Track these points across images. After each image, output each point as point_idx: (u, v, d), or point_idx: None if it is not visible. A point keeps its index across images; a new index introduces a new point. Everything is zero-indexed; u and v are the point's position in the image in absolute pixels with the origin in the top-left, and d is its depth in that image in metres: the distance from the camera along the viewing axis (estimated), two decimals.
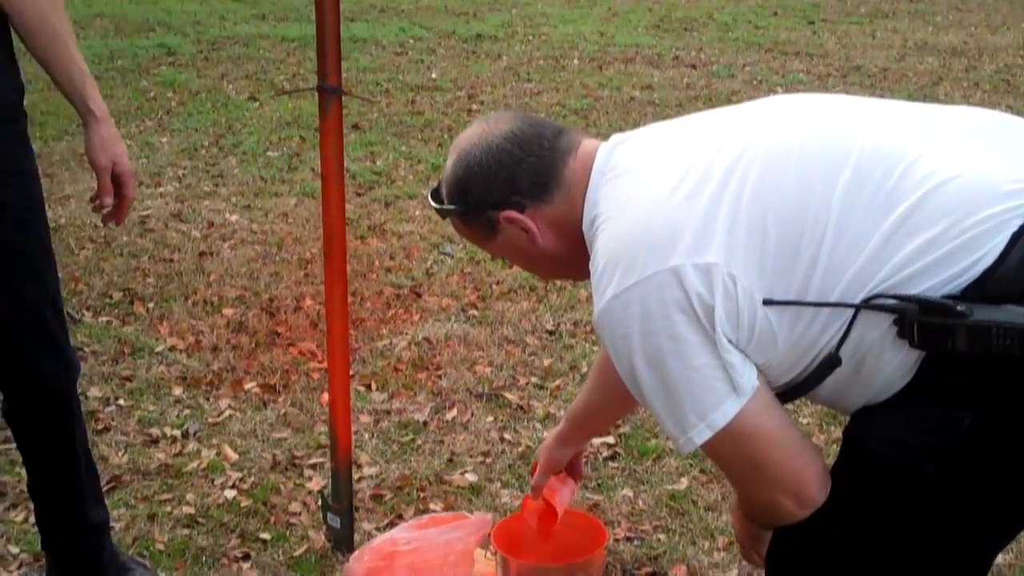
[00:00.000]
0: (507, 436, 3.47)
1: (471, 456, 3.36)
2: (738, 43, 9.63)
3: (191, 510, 3.08)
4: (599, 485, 3.18)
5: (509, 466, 3.30)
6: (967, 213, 1.58)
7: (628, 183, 1.77)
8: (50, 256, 2.43)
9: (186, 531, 2.99)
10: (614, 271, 1.67)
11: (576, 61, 8.95)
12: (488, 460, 3.34)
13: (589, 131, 6.63)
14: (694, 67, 8.70)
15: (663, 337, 1.64)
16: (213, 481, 3.22)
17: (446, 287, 4.56)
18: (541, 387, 3.77)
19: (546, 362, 3.92)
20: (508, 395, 3.70)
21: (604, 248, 1.72)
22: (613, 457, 3.34)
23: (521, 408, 3.63)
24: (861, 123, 1.75)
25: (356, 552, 2.42)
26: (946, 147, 1.68)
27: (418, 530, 2.44)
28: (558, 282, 4.52)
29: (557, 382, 3.79)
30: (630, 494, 3.16)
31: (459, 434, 3.48)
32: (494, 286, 4.56)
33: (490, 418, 3.57)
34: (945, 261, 1.58)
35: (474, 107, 7.43)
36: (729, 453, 1.74)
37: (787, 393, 1.76)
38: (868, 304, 1.59)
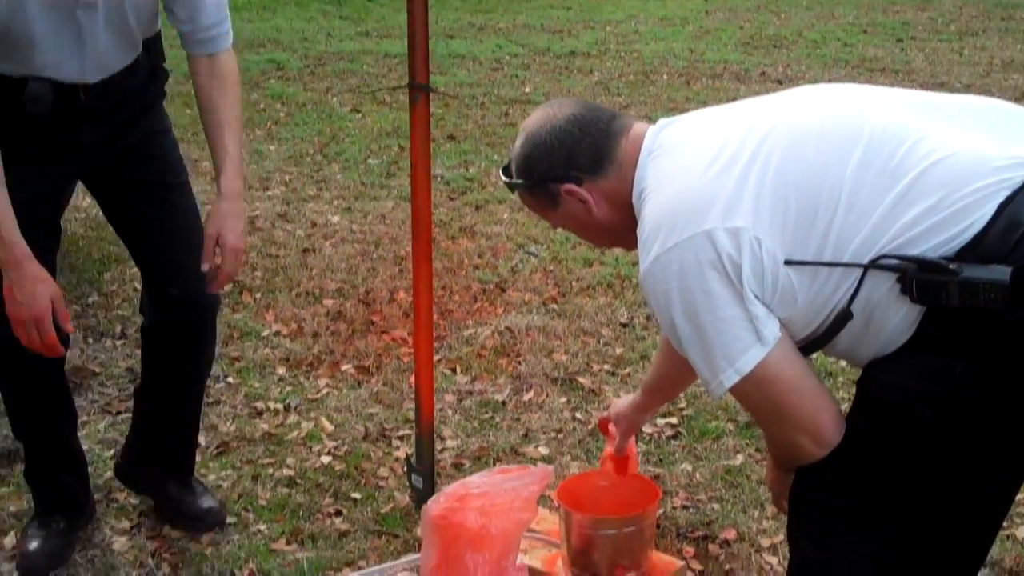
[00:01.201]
0: (579, 416, 3.78)
1: (544, 433, 3.67)
2: (825, 59, 9.82)
3: (291, 472, 3.43)
4: (660, 460, 3.46)
5: (579, 442, 3.60)
6: (960, 185, 1.86)
7: (670, 161, 2.07)
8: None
9: (286, 490, 3.35)
10: (657, 235, 1.97)
11: (665, 76, 9.22)
12: (560, 436, 3.64)
13: None
14: (780, 82, 8.91)
15: (698, 292, 1.94)
16: (311, 448, 3.57)
17: (529, 283, 4.88)
18: (613, 373, 4.06)
19: (618, 351, 4.22)
20: (581, 380, 4.00)
21: (649, 216, 2.02)
22: (676, 436, 3.63)
23: (593, 391, 3.93)
24: (872, 108, 2.03)
25: (433, 496, 2.74)
26: (944, 129, 1.96)
27: (488, 477, 2.75)
28: (633, 279, 4.82)
29: (627, 369, 4.08)
30: (689, 468, 3.44)
31: (534, 413, 3.79)
32: (574, 283, 4.87)
33: (564, 399, 3.88)
34: (941, 226, 1.85)
35: None
36: (755, 396, 2.02)
37: (808, 346, 2.04)
38: (875, 264, 1.88)
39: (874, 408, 2.01)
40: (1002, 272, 1.79)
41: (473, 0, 12.88)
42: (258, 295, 4.72)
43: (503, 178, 2.30)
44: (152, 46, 2.79)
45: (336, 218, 5.70)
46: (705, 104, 8.02)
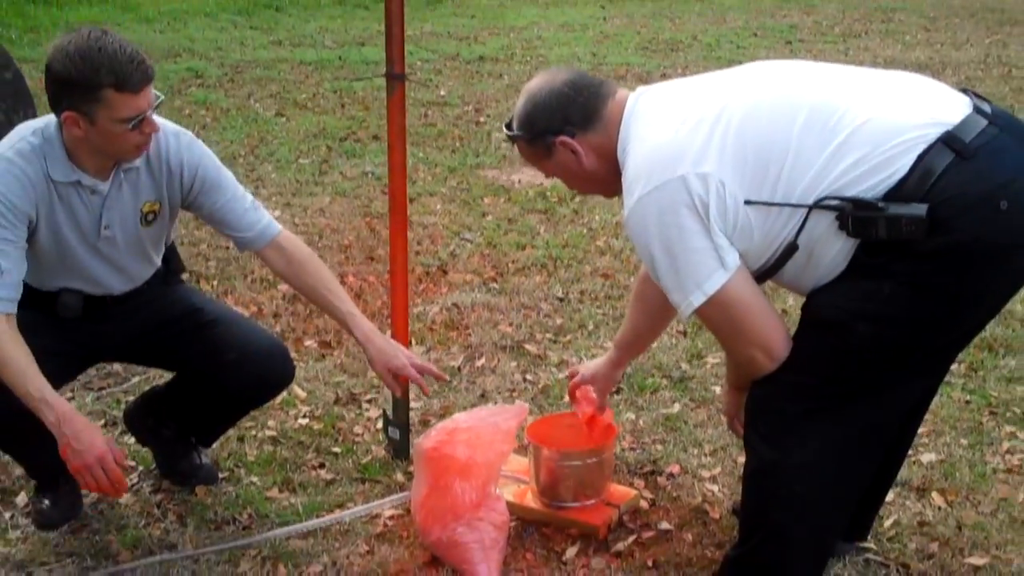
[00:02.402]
0: (528, 377, 4.16)
1: (499, 392, 4.04)
2: (720, 61, 10.35)
3: (273, 433, 3.75)
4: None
5: (532, 399, 3.98)
6: (885, 140, 2.30)
7: (649, 121, 2.49)
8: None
9: (271, 448, 3.67)
10: (638, 181, 2.39)
11: None
12: (514, 395, 4.02)
13: None
14: None
15: (672, 227, 2.35)
16: (288, 412, 3.89)
17: (468, 265, 5.26)
18: (555, 341, 4.46)
19: (559, 321, 4.62)
20: (528, 347, 4.39)
21: (632, 165, 2.44)
22: (618, 391, 4.02)
23: (539, 356, 4.32)
24: (813, 82, 2.48)
25: (424, 432, 3.09)
26: (871, 97, 2.40)
27: (472, 414, 3.11)
28: (564, 260, 5.24)
29: (568, 337, 4.48)
30: (633, 416, 3.85)
31: (488, 376, 4.17)
32: (510, 264, 5.26)
33: (513, 363, 4.26)
34: (870, 174, 2.28)
35: (481, 119, 8.14)
36: (717, 316, 2.44)
37: (760, 276, 2.47)
38: (818, 204, 2.31)
39: (816, 326, 2.45)
40: (920, 208, 2.23)
41: (378, 9, 13.18)
42: (215, 282, 5.02)
43: (505, 132, 2.72)
44: (170, 258, 3.26)
45: (277, 212, 6.00)
46: None
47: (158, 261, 3.19)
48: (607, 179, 2.59)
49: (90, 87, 2.69)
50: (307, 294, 3.16)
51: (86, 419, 2.85)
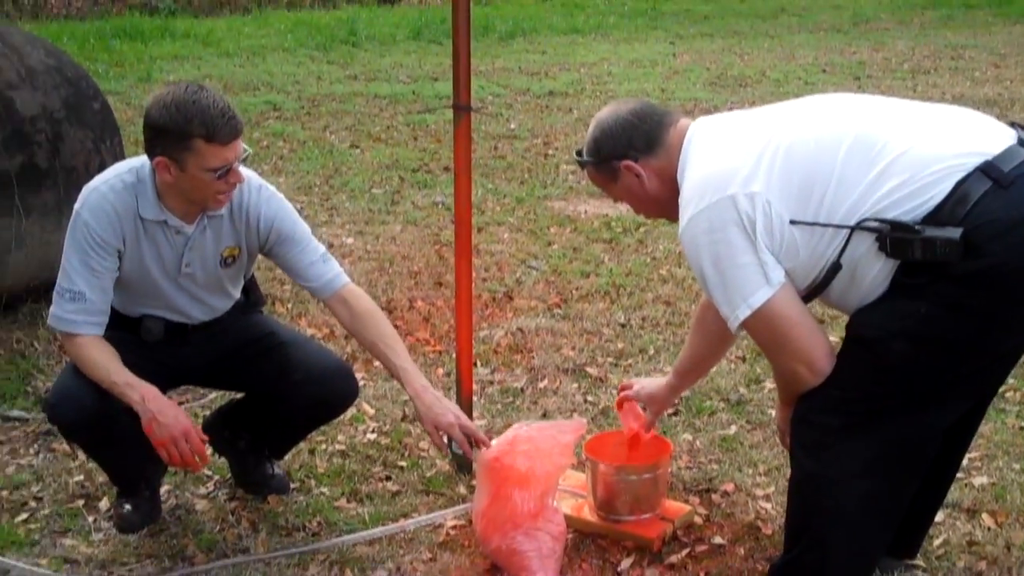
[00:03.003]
0: (589, 398, 4.29)
1: (561, 412, 4.17)
2: (787, 96, 10.34)
3: (342, 447, 3.91)
4: (665, 432, 3.95)
5: (592, 419, 4.10)
6: (923, 168, 2.42)
7: (706, 146, 2.66)
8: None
9: (340, 460, 3.82)
10: (692, 200, 2.55)
11: None
12: (575, 414, 4.15)
13: None
14: None
15: (721, 244, 2.49)
16: (357, 428, 4.05)
17: (533, 292, 5.40)
18: (616, 364, 4.58)
19: (620, 346, 4.75)
20: (589, 370, 4.52)
21: (687, 186, 2.60)
22: (676, 413, 4.14)
23: (600, 379, 4.44)
24: (858, 113, 2.62)
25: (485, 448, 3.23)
26: (913, 128, 2.53)
27: (532, 427, 3.24)
28: (627, 287, 5.37)
29: (628, 361, 4.60)
30: (690, 438, 3.95)
31: (550, 398, 4.30)
32: (574, 291, 5.39)
33: (575, 385, 4.39)
34: (909, 198, 2.40)
35: (549, 152, 8.30)
36: (763, 330, 2.57)
37: (808, 295, 2.59)
38: (859, 225, 2.43)
39: (856, 343, 2.56)
40: (954, 232, 2.34)
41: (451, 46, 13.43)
42: (289, 305, 5.21)
43: (576, 158, 2.91)
44: (250, 289, 3.49)
45: (350, 240, 6.20)
46: None
47: (237, 294, 3.41)
48: (669, 201, 2.74)
49: (182, 136, 2.91)
50: (367, 346, 3.31)
51: (169, 400, 3.07)
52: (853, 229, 2.43)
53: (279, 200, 3.26)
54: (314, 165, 7.85)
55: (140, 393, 3.02)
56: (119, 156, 5.19)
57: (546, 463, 3.12)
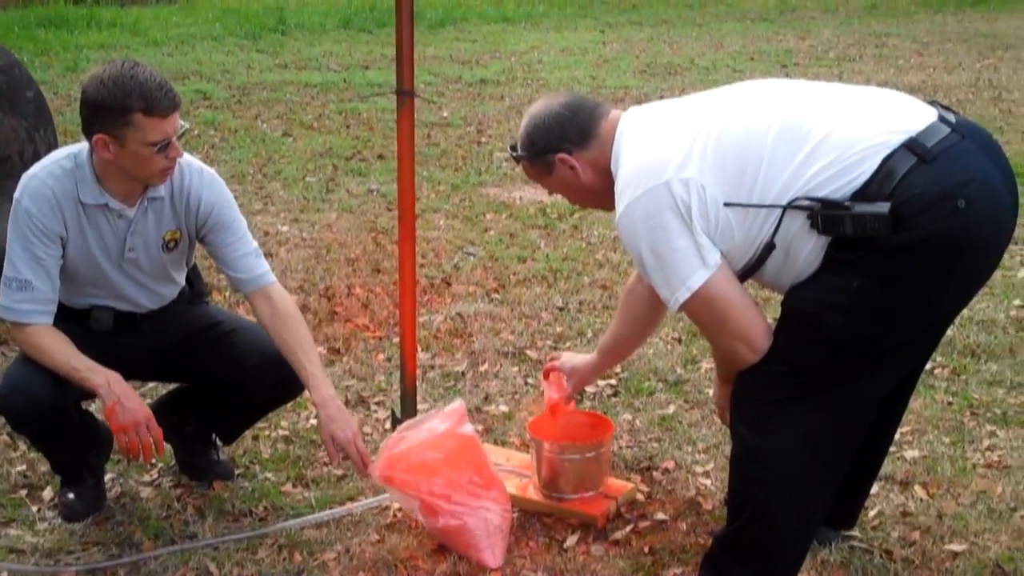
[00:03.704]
0: (530, 381, 4.34)
1: (502, 395, 4.22)
2: (717, 84, 10.42)
3: (285, 433, 3.93)
4: (605, 411, 4.01)
5: (533, 400, 4.15)
6: (850, 147, 2.49)
7: (638, 136, 2.70)
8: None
9: (284, 446, 3.84)
10: (627, 188, 2.59)
11: None
12: (516, 397, 4.20)
13: None
14: None
15: (658, 229, 2.54)
16: (300, 414, 4.06)
17: (471, 278, 5.44)
18: (555, 347, 4.63)
19: (558, 329, 4.81)
20: (529, 353, 4.57)
21: (622, 175, 2.64)
22: (615, 394, 4.21)
23: (540, 362, 4.49)
24: (785, 98, 2.67)
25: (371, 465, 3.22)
26: (837, 110, 2.60)
27: (406, 430, 3.24)
28: (564, 272, 5.42)
29: (568, 344, 4.66)
30: (629, 417, 4.02)
31: (491, 381, 4.35)
32: (511, 276, 5.44)
33: (515, 369, 4.44)
34: (837, 177, 2.47)
35: (483, 140, 8.34)
36: (702, 311, 2.63)
37: (743, 275, 2.65)
38: (791, 205, 2.49)
39: (790, 318, 2.63)
40: (883, 207, 2.42)
41: (382, 34, 13.43)
42: (227, 293, 5.19)
43: (510, 152, 2.93)
44: (194, 280, 3.51)
45: (285, 228, 6.20)
46: None
47: (181, 281, 3.41)
48: (604, 192, 2.79)
49: (121, 111, 2.90)
50: (282, 347, 3.25)
51: (131, 388, 3.08)
52: (785, 208, 2.50)
53: (220, 186, 3.27)
54: (246, 153, 7.82)
55: (104, 377, 3.03)
56: (53, 145, 5.14)
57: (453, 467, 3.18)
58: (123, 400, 3.01)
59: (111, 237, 3.15)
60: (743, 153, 2.55)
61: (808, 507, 2.73)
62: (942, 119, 2.53)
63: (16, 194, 3.08)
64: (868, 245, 2.46)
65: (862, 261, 2.48)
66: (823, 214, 2.46)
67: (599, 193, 2.84)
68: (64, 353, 3.05)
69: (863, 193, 2.45)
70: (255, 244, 3.32)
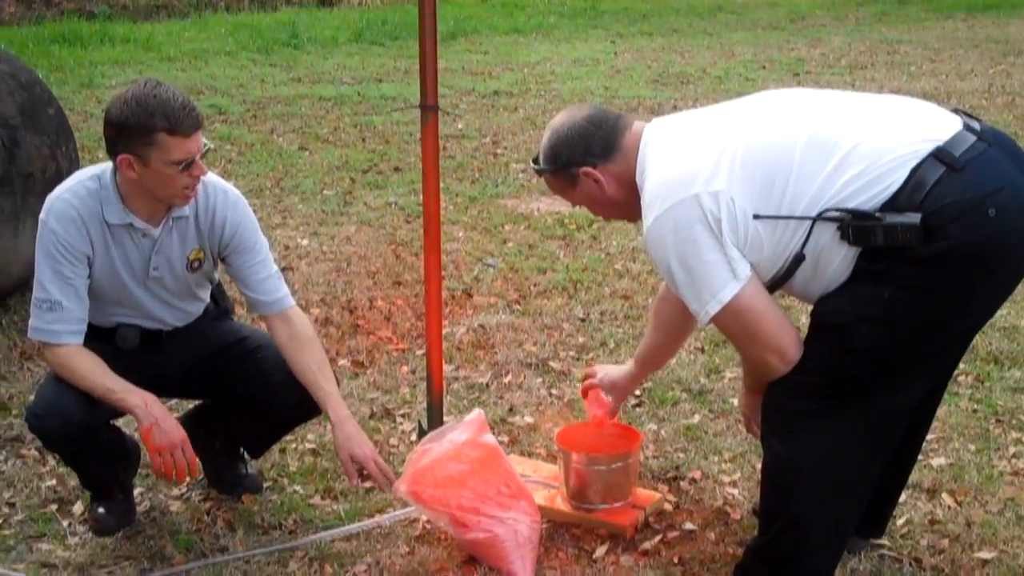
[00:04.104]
0: (554, 391, 4.35)
1: (526, 406, 4.23)
2: (730, 93, 10.55)
3: (313, 446, 3.94)
4: (631, 422, 4.03)
5: (558, 412, 4.17)
6: (880, 156, 2.50)
7: (664, 148, 2.71)
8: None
9: (311, 459, 3.85)
10: (656, 202, 2.60)
11: None
12: (541, 408, 4.21)
13: None
14: None
15: (687, 242, 2.56)
16: (326, 427, 4.03)
17: (492, 289, 5.46)
18: (578, 358, 4.65)
19: (580, 340, 4.82)
20: (552, 364, 4.59)
21: (650, 188, 2.65)
22: (640, 404, 4.22)
23: (563, 373, 4.51)
24: (814, 107, 2.69)
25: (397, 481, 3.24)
26: (867, 120, 2.61)
27: (429, 442, 3.26)
28: (584, 283, 5.44)
29: (591, 355, 4.67)
30: (655, 427, 4.03)
31: (515, 392, 4.36)
32: (532, 287, 5.45)
33: (539, 380, 4.46)
34: (867, 187, 2.49)
35: (498, 152, 8.36)
36: (733, 324, 2.64)
37: (772, 286, 2.66)
38: (821, 216, 2.51)
39: (821, 329, 2.65)
40: (914, 217, 2.44)
41: (394, 47, 13.47)
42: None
43: (532, 166, 2.94)
44: (219, 297, 3.52)
45: (305, 241, 6.22)
46: None
47: (206, 298, 3.45)
48: (628, 204, 2.80)
49: (145, 131, 2.93)
50: (298, 368, 3.27)
51: (167, 410, 3.13)
52: (815, 220, 2.51)
53: (244, 207, 3.30)
54: (263, 168, 7.84)
55: (141, 398, 3.06)
56: (74, 161, 5.18)
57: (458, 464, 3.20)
58: (160, 421, 3.05)
59: (136, 256, 3.18)
60: (772, 165, 2.56)
61: (840, 517, 2.74)
62: (967, 127, 2.54)
63: (42, 215, 3.11)
64: (899, 255, 2.47)
65: (893, 271, 2.49)
66: (854, 225, 2.48)
67: (623, 205, 2.85)
68: (98, 374, 3.08)
69: (893, 204, 2.46)
70: (276, 268, 3.36)
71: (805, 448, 2.67)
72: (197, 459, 3.14)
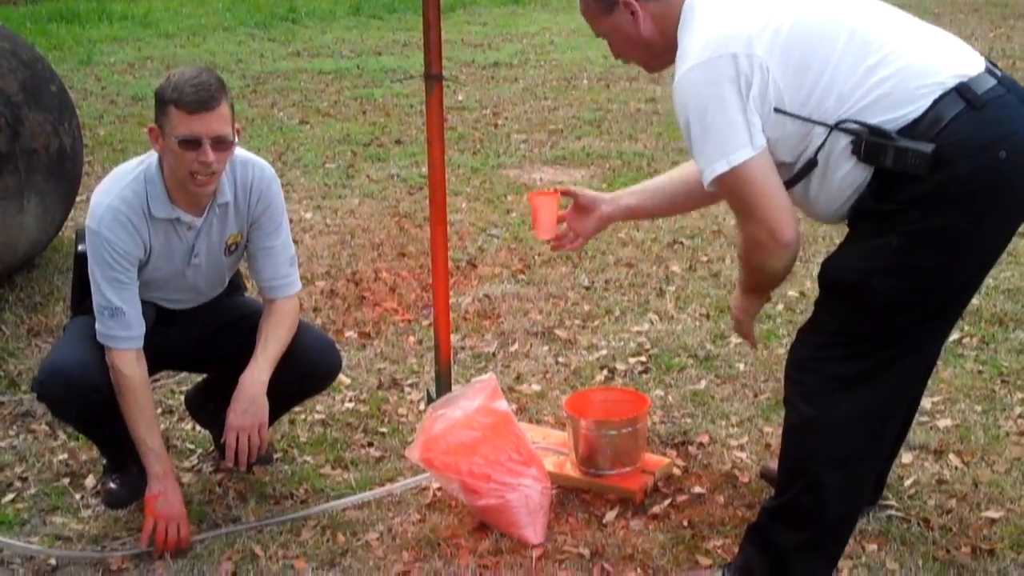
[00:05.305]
0: (560, 360, 4.37)
1: (533, 375, 4.25)
2: None
3: (322, 416, 3.96)
4: (637, 388, 4.05)
5: (565, 379, 4.18)
6: (909, 78, 2.49)
7: (713, 9, 2.65)
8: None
9: (321, 429, 3.88)
10: (693, 52, 2.57)
11: (585, 81, 9.90)
12: (548, 375, 4.23)
13: (603, 138, 7.56)
14: None
15: (713, 98, 2.54)
16: (335, 397, 4.10)
17: (496, 259, 5.47)
18: (583, 327, 4.66)
19: (586, 308, 4.83)
20: (558, 332, 4.60)
21: (690, 40, 2.61)
22: (646, 371, 4.24)
23: (569, 341, 4.53)
24: (862, 8, 2.65)
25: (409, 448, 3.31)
26: (907, 35, 2.60)
27: (441, 407, 3.30)
28: (588, 251, 5.44)
29: (596, 322, 4.69)
30: (662, 393, 4.05)
31: (521, 360, 4.38)
32: (536, 257, 5.46)
33: (545, 348, 4.47)
34: (892, 107, 2.48)
35: (499, 122, 8.35)
36: (735, 190, 2.62)
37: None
38: (839, 125, 2.51)
39: (835, 289, 2.65)
40: (926, 146, 2.45)
41: (392, 20, 13.44)
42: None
43: None
44: (234, 277, 3.56)
45: (309, 215, 6.23)
46: (627, 104, 8.68)
47: (226, 282, 3.50)
48: (655, 50, 2.77)
49: (162, 101, 3.02)
50: (257, 336, 3.31)
51: (177, 485, 3.26)
52: (833, 127, 2.52)
53: (278, 186, 3.35)
54: (265, 142, 7.84)
55: (163, 468, 3.21)
56: (77, 138, 5.19)
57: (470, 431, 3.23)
58: (168, 494, 3.19)
59: (179, 247, 3.24)
60: (812, 48, 2.54)
61: (859, 476, 2.76)
62: (989, 71, 2.56)
63: (91, 223, 3.14)
64: (905, 191, 2.47)
65: (899, 217, 2.50)
66: (868, 141, 2.48)
67: (649, 49, 2.79)
68: (148, 421, 3.21)
69: (911, 130, 2.47)
70: (292, 251, 3.41)
71: (829, 409, 2.67)
72: (190, 538, 3.22)
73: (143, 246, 3.16)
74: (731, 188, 2.63)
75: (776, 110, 2.55)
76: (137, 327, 3.19)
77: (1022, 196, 2.57)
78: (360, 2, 14.20)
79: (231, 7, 13.76)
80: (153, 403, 3.25)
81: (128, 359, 3.17)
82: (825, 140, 2.54)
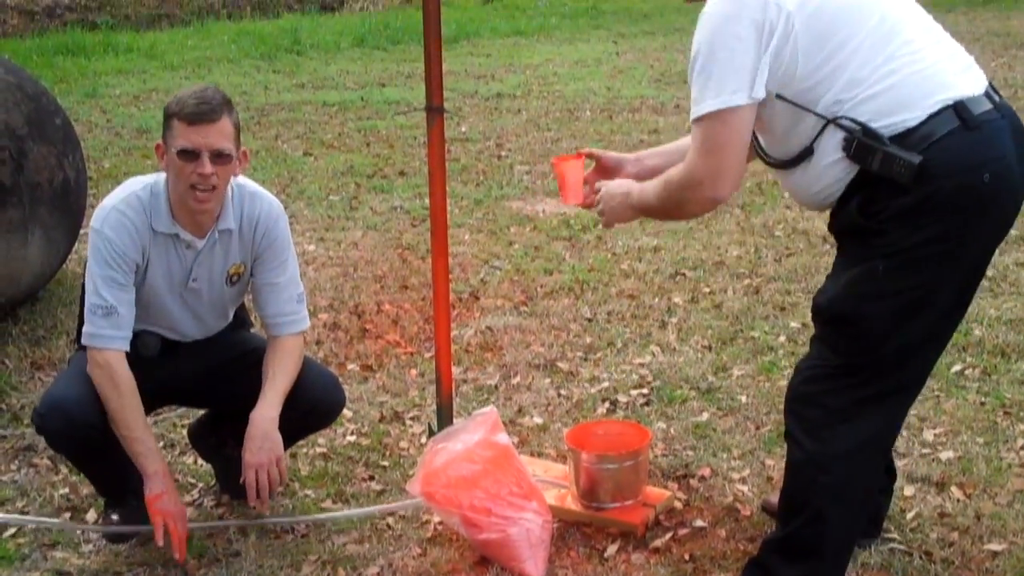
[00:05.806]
0: (563, 392, 4.37)
1: (535, 407, 4.25)
2: None
3: (323, 450, 3.96)
4: (639, 421, 4.05)
5: (566, 412, 4.18)
6: (920, 81, 2.51)
7: None
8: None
9: (322, 463, 3.87)
10: None
11: (588, 113, 9.93)
12: (549, 408, 4.23)
13: None
14: None
15: (730, 34, 2.53)
16: (336, 431, 4.09)
17: (499, 291, 5.48)
18: (586, 359, 4.67)
19: (588, 340, 4.83)
20: (560, 364, 4.60)
21: None
22: (648, 403, 4.23)
23: (571, 373, 4.53)
24: (899, 3, 2.66)
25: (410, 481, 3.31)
26: (929, 34, 2.63)
27: (442, 441, 3.30)
28: (590, 283, 5.45)
29: (598, 354, 4.69)
30: (664, 426, 4.05)
31: (523, 393, 4.37)
32: (538, 289, 5.47)
33: (547, 380, 4.47)
34: (891, 111, 2.50)
35: (503, 154, 8.38)
36: (708, 129, 2.59)
37: (779, 165, 2.69)
38: (835, 120, 2.53)
39: (831, 323, 2.67)
40: (914, 157, 2.48)
41: (396, 52, 13.50)
42: (255, 316, 5.23)
43: None
44: (239, 311, 3.58)
45: (312, 247, 6.24)
46: (629, 135, 8.70)
47: (231, 316, 3.51)
48: None
49: (168, 115, 3.08)
50: (263, 375, 3.30)
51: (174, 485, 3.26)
52: (830, 121, 2.53)
53: (286, 223, 3.38)
54: (269, 174, 7.87)
55: (159, 467, 3.19)
56: (81, 171, 5.22)
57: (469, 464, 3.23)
58: (170, 492, 3.19)
59: (177, 266, 3.25)
60: (841, 20, 2.54)
61: (859, 508, 2.78)
62: (988, 94, 2.58)
63: (95, 224, 3.17)
64: (887, 211, 2.50)
65: (880, 240, 2.52)
66: (859, 141, 2.50)
67: None
68: (137, 418, 3.17)
69: (903, 139, 2.49)
70: (301, 288, 3.42)
71: (832, 442, 2.68)
72: (187, 537, 3.23)
73: (142, 252, 3.17)
74: (707, 128, 2.61)
75: (778, 96, 2.55)
76: (126, 330, 3.18)
77: (999, 219, 2.61)
78: (364, 34, 14.28)
79: (236, 39, 13.83)
80: (140, 406, 3.18)
81: (119, 358, 3.16)
82: (822, 131, 2.56)
